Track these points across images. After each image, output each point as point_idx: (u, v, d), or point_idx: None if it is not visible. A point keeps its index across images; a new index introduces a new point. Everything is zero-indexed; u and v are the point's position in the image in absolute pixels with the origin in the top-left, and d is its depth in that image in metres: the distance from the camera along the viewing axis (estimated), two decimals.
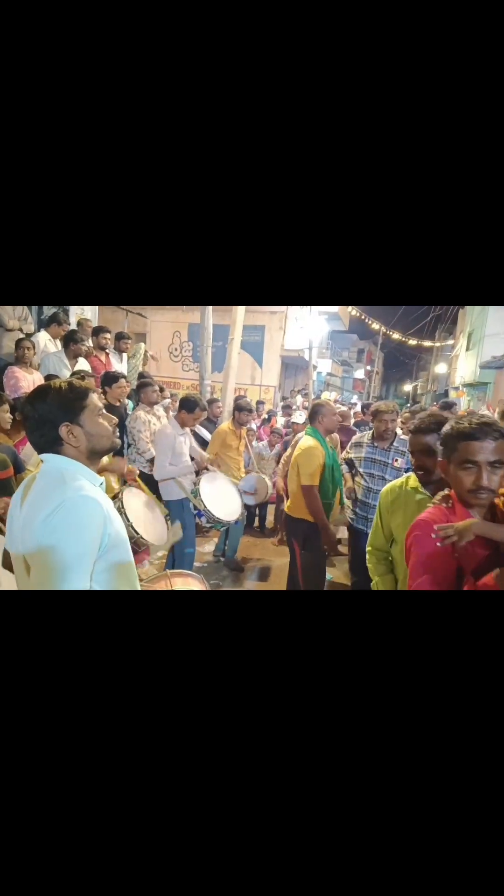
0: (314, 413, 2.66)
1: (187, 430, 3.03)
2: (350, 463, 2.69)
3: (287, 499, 2.82)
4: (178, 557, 2.95)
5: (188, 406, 2.94)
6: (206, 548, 4.12)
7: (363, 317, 12.37)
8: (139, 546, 2.23)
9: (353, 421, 6.24)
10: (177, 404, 3.47)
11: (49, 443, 0.95)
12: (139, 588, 1.03)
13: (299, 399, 8.77)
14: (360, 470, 2.60)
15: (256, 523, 4.83)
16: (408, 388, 18.30)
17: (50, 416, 0.94)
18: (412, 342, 13.65)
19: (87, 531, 0.87)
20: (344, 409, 6.12)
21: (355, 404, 10.30)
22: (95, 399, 0.99)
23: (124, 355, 4.38)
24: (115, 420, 1.07)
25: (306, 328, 10.07)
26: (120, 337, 4.34)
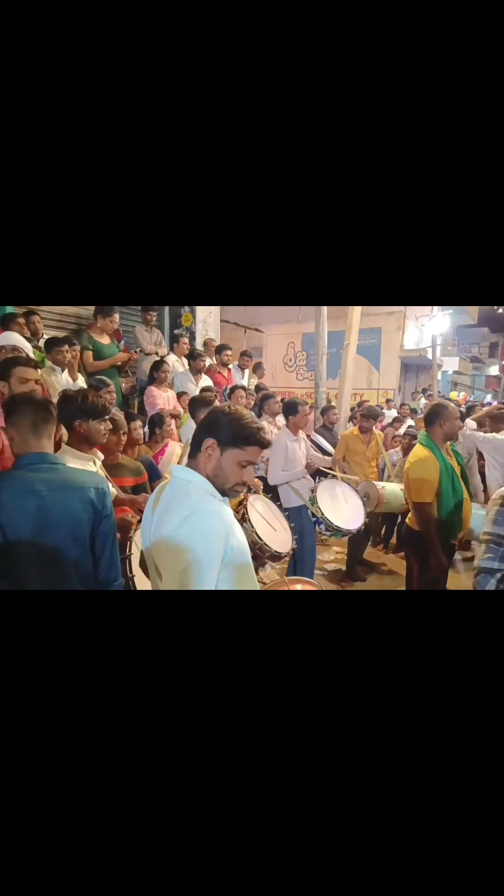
0: (432, 416, 2.29)
1: (301, 436, 3.07)
2: None
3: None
4: (298, 564, 3.00)
5: (291, 409, 2.99)
6: (325, 556, 4.10)
7: (495, 308, 11.05)
8: (263, 553, 2.32)
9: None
10: None
11: (195, 445, 1.03)
12: (258, 588, 1.08)
13: (423, 402, 8.20)
14: None
15: (394, 538, 4.38)
16: None
17: (218, 431, 1.00)
18: None
19: (211, 543, 0.93)
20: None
21: (490, 403, 9.24)
22: (253, 455, 1.01)
23: (246, 371, 4.66)
24: (255, 484, 1.06)
25: (427, 326, 9.41)
26: (242, 354, 4.65)
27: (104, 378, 2.72)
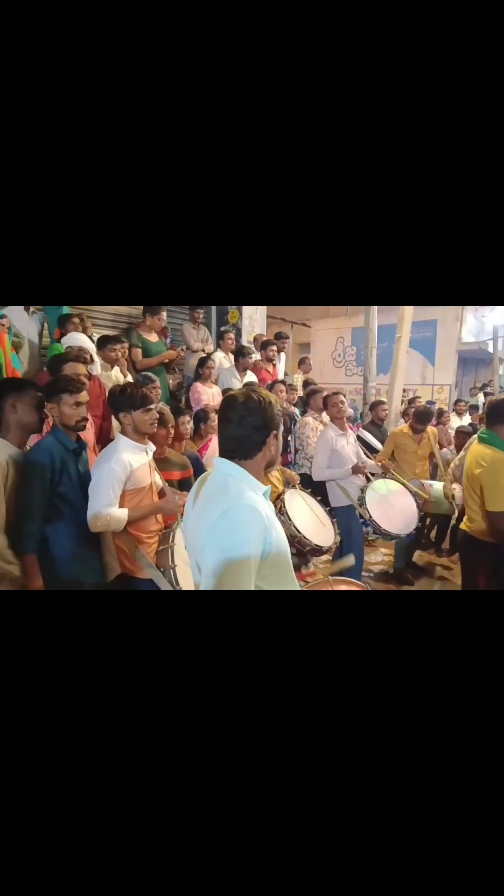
0: (497, 412, 2.00)
1: (350, 432, 2.97)
2: None
3: (459, 512, 2.46)
4: None
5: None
6: (373, 557, 3.96)
7: None
8: (303, 546, 2.26)
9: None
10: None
11: (253, 446, 1.00)
12: (297, 587, 1.04)
13: (481, 397, 7.70)
14: None
15: (444, 541, 4.18)
16: None
17: (265, 422, 1.00)
18: None
19: (249, 539, 0.90)
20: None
21: None
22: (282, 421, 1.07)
23: (282, 354, 4.65)
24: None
25: (489, 316, 8.84)
26: (277, 336, 4.73)
27: (149, 374, 2.77)
